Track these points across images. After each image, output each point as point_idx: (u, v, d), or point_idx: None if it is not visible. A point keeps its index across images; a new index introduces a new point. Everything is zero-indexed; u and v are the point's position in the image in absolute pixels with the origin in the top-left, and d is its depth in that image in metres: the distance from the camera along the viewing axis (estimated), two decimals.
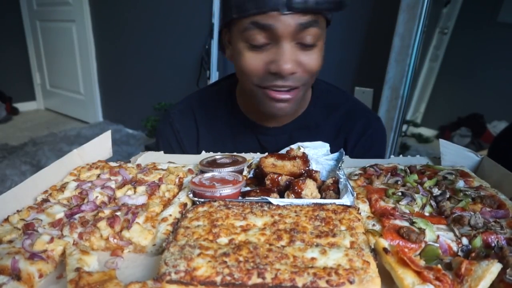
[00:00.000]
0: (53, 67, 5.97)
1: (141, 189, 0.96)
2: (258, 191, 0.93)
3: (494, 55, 3.06)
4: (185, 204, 0.89)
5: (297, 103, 1.23)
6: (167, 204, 0.91)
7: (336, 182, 0.95)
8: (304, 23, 1.05)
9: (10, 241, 0.74)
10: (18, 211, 0.85)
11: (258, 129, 1.41)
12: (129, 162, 1.20)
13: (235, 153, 1.17)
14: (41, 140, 4.70)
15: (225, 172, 0.99)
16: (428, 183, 0.94)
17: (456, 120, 3.34)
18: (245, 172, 1.06)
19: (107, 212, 0.84)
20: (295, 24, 1.04)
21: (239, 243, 0.68)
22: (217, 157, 1.10)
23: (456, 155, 1.13)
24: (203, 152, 1.29)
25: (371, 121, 1.44)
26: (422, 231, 0.73)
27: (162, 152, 1.29)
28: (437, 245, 0.71)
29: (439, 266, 0.62)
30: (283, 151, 1.13)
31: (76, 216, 0.83)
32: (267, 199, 0.85)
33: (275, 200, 0.84)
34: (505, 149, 1.85)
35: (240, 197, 0.91)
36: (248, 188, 1.00)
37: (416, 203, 0.86)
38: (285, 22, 1.03)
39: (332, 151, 1.20)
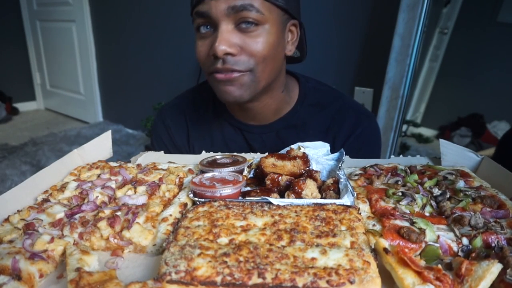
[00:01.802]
0: (53, 67, 5.96)
1: (141, 189, 0.96)
2: (258, 191, 0.93)
3: (494, 55, 3.06)
4: (185, 204, 0.89)
5: (248, 89, 1.19)
6: (167, 204, 0.91)
7: (337, 182, 0.95)
8: (236, 6, 1.09)
9: (11, 241, 0.74)
10: (18, 211, 0.85)
11: (243, 127, 1.42)
12: (129, 162, 1.20)
13: (235, 153, 1.18)
14: (41, 140, 4.70)
15: (226, 172, 0.99)
16: (428, 183, 0.94)
17: (456, 120, 3.34)
18: (245, 172, 1.06)
19: (107, 212, 0.84)
20: (226, 7, 1.10)
21: (239, 243, 0.68)
22: (217, 157, 1.10)
23: (456, 155, 1.13)
24: (203, 152, 1.29)
25: (361, 120, 1.40)
26: (422, 231, 0.73)
27: (162, 152, 1.30)
28: (438, 245, 0.71)
29: (440, 266, 0.62)
30: (283, 151, 1.13)
31: (77, 216, 0.83)
32: (267, 199, 0.85)
33: (275, 200, 0.84)
34: None
35: (240, 197, 0.91)
36: (248, 188, 1.00)
37: (417, 203, 0.86)
38: (217, 6, 1.11)
39: None
